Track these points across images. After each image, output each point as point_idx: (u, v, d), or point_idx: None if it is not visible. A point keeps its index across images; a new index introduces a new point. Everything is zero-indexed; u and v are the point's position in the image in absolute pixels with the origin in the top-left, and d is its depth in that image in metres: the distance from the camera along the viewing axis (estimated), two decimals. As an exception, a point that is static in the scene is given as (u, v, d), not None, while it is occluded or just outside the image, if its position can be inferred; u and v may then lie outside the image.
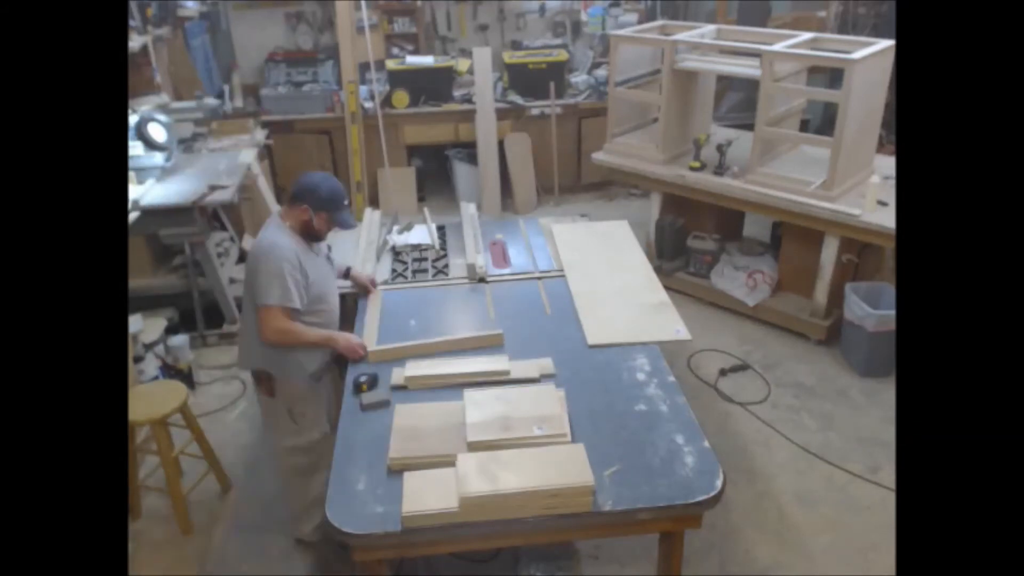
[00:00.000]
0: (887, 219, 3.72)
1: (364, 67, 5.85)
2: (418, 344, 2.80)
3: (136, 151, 4.24)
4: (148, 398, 3.08)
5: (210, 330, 4.42)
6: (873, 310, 3.78)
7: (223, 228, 4.86)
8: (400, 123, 5.97)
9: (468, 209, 3.88)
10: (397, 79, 5.89)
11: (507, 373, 2.58)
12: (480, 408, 2.35)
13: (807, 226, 4.06)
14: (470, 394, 2.42)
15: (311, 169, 5.98)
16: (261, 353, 2.71)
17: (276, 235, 2.67)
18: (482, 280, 3.28)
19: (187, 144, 4.83)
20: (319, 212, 2.69)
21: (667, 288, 3.22)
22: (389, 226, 3.72)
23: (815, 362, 4.11)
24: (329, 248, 2.97)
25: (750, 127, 4.28)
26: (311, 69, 6.08)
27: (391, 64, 5.93)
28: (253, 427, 3.77)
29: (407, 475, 2.14)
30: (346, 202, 2.75)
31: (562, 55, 6.02)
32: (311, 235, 2.74)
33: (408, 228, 3.70)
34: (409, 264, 3.45)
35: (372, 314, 3.04)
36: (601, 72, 6.10)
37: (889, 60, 3.98)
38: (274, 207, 5.18)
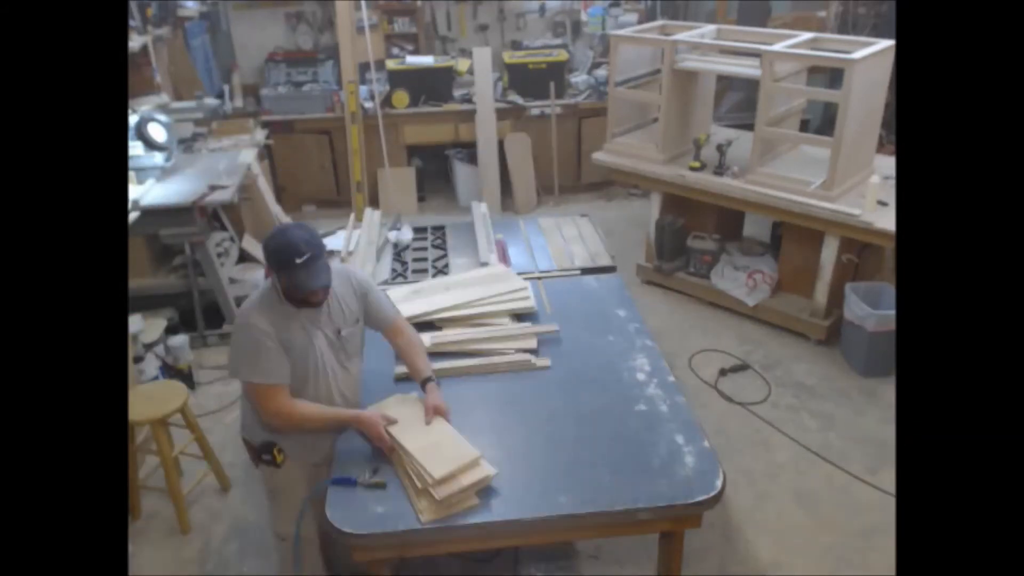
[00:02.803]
0: (887, 219, 3.72)
1: (364, 67, 5.85)
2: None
3: (136, 151, 4.24)
4: (148, 398, 3.08)
5: (210, 330, 4.42)
6: (873, 310, 3.78)
7: (223, 228, 4.85)
8: (400, 123, 5.97)
9: (479, 208, 3.87)
10: (397, 79, 5.88)
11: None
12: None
13: (807, 226, 4.06)
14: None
15: (311, 169, 6.03)
16: (263, 426, 2.33)
17: (254, 301, 2.28)
18: None
19: (187, 144, 4.83)
20: (277, 273, 2.23)
21: (667, 288, 3.23)
22: (390, 226, 3.72)
23: (815, 362, 4.11)
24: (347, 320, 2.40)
25: (750, 127, 4.27)
26: (311, 69, 6.08)
27: (391, 64, 5.93)
28: (253, 427, 3.77)
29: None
30: (299, 259, 2.13)
31: (562, 55, 6.02)
32: (293, 299, 2.26)
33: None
34: (409, 264, 3.45)
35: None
36: (601, 72, 6.10)
37: (889, 60, 3.98)
38: (274, 207, 5.18)
